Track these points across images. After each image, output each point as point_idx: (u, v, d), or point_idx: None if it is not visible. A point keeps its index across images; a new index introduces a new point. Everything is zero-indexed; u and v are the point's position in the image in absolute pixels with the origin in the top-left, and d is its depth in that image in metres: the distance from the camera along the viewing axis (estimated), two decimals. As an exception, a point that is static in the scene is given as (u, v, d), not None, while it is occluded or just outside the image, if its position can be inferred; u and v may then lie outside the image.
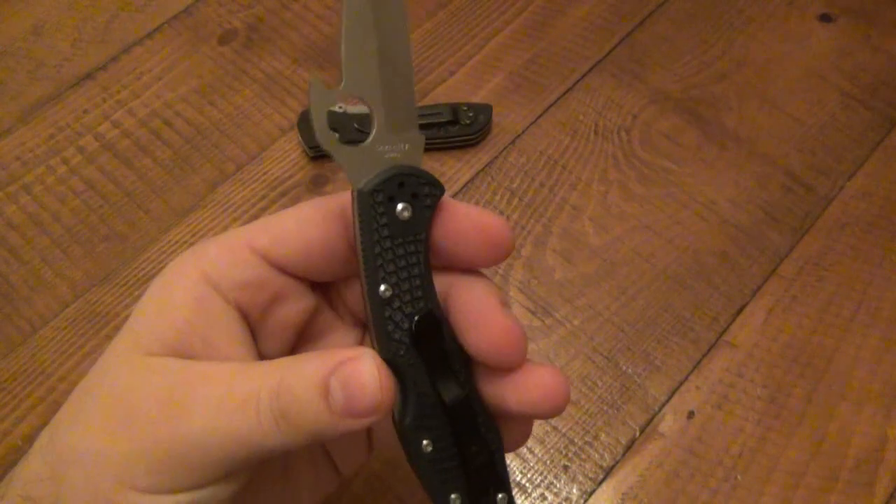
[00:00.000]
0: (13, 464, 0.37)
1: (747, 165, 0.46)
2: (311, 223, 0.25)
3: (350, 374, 0.22)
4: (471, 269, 0.25)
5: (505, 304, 0.25)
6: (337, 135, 0.23)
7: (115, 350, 0.25)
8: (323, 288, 0.27)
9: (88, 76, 0.50)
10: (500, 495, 0.26)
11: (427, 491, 0.25)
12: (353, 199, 0.23)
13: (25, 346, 0.41)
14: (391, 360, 0.23)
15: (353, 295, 0.27)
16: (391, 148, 0.24)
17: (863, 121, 0.47)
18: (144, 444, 0.23)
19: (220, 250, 0.25)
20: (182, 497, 0.23)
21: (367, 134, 0.24)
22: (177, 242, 0.44)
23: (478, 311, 0.24)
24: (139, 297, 0.42)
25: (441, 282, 0.25)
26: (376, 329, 0.23)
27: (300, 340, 0.27)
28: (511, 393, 0.25)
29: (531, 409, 0.25)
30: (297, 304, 0.26)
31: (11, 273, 0.43)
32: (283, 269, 0.25)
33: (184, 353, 0.24)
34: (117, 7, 0.53)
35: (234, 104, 0.49)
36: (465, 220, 0.24)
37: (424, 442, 0.24)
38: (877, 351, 0.40)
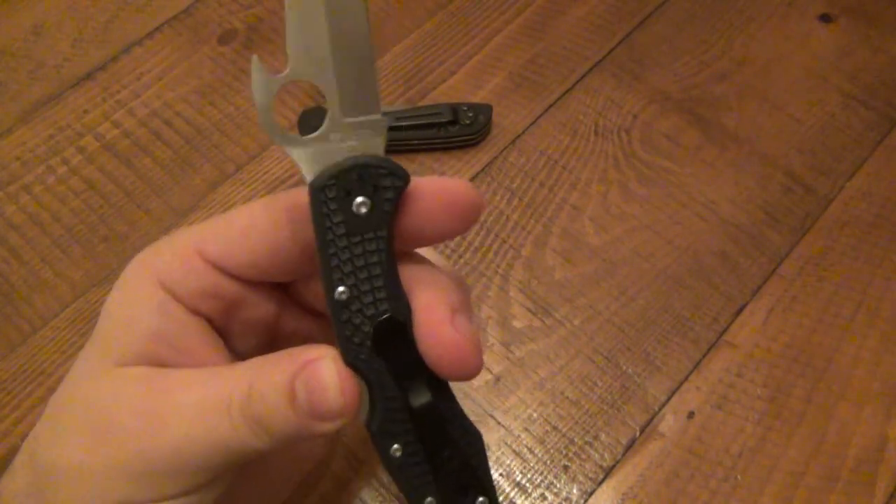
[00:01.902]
0: (13, 464, 0.37)
1: (747, 165, 0.46)
2: (258, 229, 0.24)
3: (311, 377, 0.22)
4: (430, 267, 0.24)
5: (459, 309, 0.23)
6: (284, 125, 0.21)
7: (87, 362, 0.24)
8: (286, 285, 0.27)
9: (88, 76, 0.50)
10: (480, 499, 0.25)
11: (402, 493, 0.24)
12: (307, 195, 0.21)
13: (25, 346, 0.41)
14: (354, 365, 0.22)
15: (313, 289, 0.26)
16: (349, 135, 0.22)
17: (863, 121, 0.47)
18: (124, 456, 0.23)
19: (172, 258, 0.24)
20: None
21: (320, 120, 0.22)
22: (177, 242, 0.44)
23: (427, 323, 0.22)
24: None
25: (404, 279, 0.23)
26: (337, 332, 0.22)
27: (274, 335, 0.27)
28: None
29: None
30: (259, 307, 0.26)
31: (11, 273, 0.43)
32: (235, 277, 0.25)
33: (154, 361, 0.24)
34: (117, 7, 0.53)
35: (234, 104, 0.49)
36: (429, 196, 0.23)
37: (394, 447, 0.23)
38: (877, 351, 0.40)
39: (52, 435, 0.24)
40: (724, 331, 0.40)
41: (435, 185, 0.23)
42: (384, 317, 0.22)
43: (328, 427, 0.22)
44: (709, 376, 0.39)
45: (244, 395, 0.22)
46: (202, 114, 0.48)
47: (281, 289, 0.26)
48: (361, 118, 0.22)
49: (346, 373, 0.22)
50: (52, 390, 0.39)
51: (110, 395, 0.23)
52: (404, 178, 0.22)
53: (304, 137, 0.21)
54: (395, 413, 0.23)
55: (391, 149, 0.46)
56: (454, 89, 0.49)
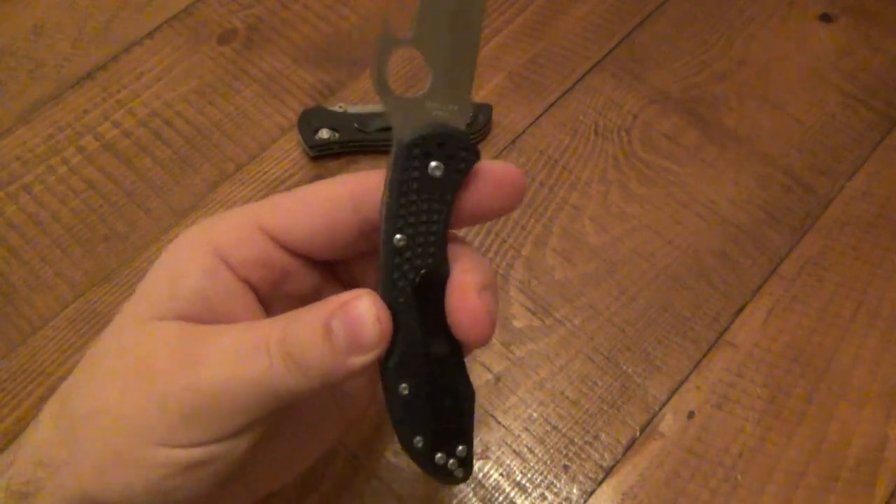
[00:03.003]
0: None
1: (747, 165, 0.46)
2: (319, 206, 0.25)
3: (349, 312, 0.23)
4: (471, 247, 0.26)
5: (488, 286, 0.25)
6: (383, 81, 0.23)
7: (125, 316, 0.25)
8: (330, 262, 0.28)
9: (88, 76, 0.50)
10: (460, 447, 0.27)
11: (395, 430, 0.26)
12: (392, 148, 0.24)
13: (25, 346, 0.41)
14: (390, 306, 0.24)
15: (358, 270, 0.28)
16: (440, 107, 0.24)
17: (863, 121, 0.47)
18: (161, 396, 0.23)
19: (230, 226, 0.26)
20: (198, 451, 0.23)
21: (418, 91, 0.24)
22: (177, 242, 0.44)
23: (460, 288, 0.25)
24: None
25: (450, 248, 0.26)
26: (384, 274, 0.24)
27: None
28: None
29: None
30: (304, 281, 0.27)
31: (11, 273, 0.43)
32: (291, 250, 0.26)
33: (194, 320, 0.25)
34: (117, 7, 0.53)
35: (234, 104, 0.49)
36: (487, 175, 0.25)
37: (402, 385, 0.25)
38: (877, 351, 0.40)
39: (86, 382, 0.25)
40: (724, 331, 0.40)
41: (493, 166, 0.25)
42: (429, 270, 0.25)
43: (362, 361, 0.23)
44: (709, 376, 0.39)
45: (280, 336, 0.23)
46: (202, 114, 0.48)
47: (324, 264, 0.28)
48: (454, 96, 0.24)
49: (382, 306, 0.24)
50: (52, 390, 0.39)
51: (147, 342, 0.24)
52: (475, 154, 0.24)
53: (405, 97, 0.23)
54: (412, 356, 0.25)
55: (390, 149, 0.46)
56: (454, 89, 0.49)
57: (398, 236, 0.24)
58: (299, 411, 0.28)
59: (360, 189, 0.25)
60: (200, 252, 0.25)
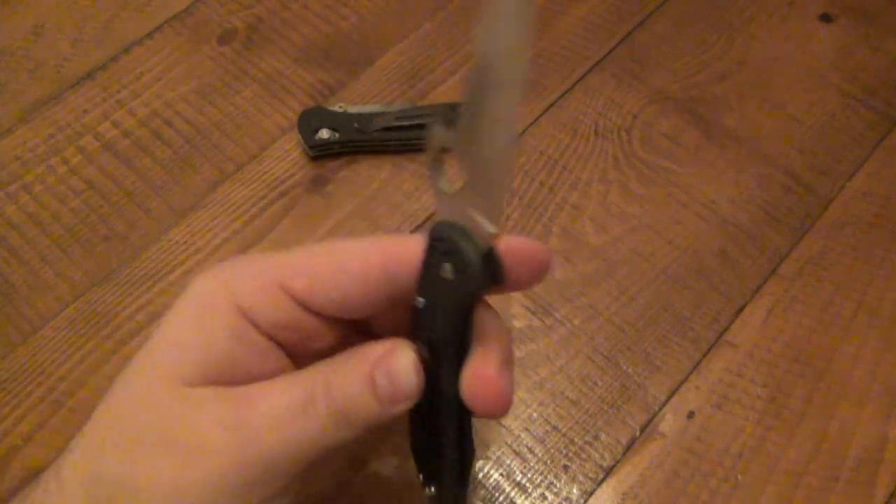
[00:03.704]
0: (13, 463, 0.37)
1: (747, 165, 0.46)
2: (349, 272, 0.25)
3: (391, 365, 0.24)
4: (495, 316, 0.26)
5: (508, 361, 0.25)
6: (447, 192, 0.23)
7: (150, 377, 0.25)
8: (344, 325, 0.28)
9: (88, 76, 0.50)
10: (432, 486, 0.30)
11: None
12: None
13: (25, 346, 0.41)
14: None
15: (381, 325, 0.28)
16: (473, 213, 0.23)
17: (863, 121, 0.47)
18: (220, 471, 0.23)
19: (254, 286, 0.25)
20: None
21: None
22: (177, 242, 0.44)
23: (481, 372, 0.25)
24: (139, 297, 0.42)
25: (475, 322, 0.26)
26: (410, 329, 0.25)
27: None
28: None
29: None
30: (328, 339, 0.27)
31: (11, 273, 0.43)
32: (318, 313, 0.26)
33: (224, 383, 0.24)
34: (117, 7, 0.53)
35: (234, 104, 0.49)
36: (513, 253, 0.24)
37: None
38: (877, 351, 0.40)
39: (121, 453, 0.24)
40: (724, 331, 0.40)
41: (520, 244, 0.25)
42: (440, 340, 0.25)
43: (401, 408, 0.24)
44: (709, 376, 0.39)
45: (325, 392, 0.24)
46: (202, 114, 0.48)
47: (342, 327, 0.27)
48: (482, 216, 0.22)
49: (417, 358, 0.25)
50: (52, 390, 0.39)
51: (191, 414, 0.24)
52: (479, 280, 0.23)
53: (448, 190, 0.23)
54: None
55: (391, 149, 0.46)
56: (454, 89, 0.49)
57: (419, 299, 0.25)
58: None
59: (392, 258, 0.25)
60: (226, 312, 0.25)
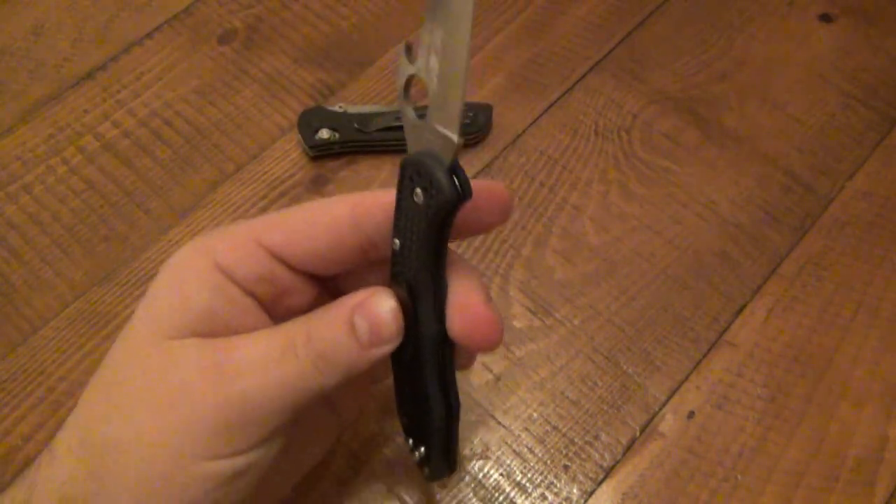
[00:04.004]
0: (13, 463, 0.37)
1: (747, 165, 0.46)
2: (321, 226, 0.26)
3: (370, 308, 0.25)
4: (465, 260, 0.27)
5: (489, 299, 0.26)
6: (410, 104, 0.24)
7: (134, 339, 0.25)
8: (325, 277, 0.29)
9: (88, 76, 0.50)
10: (422, 447, 0.30)
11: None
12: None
13: (25, 346, 0.41)
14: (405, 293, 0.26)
15: (349, 286, 0.29)
16: (437, 133, 0.24)
17: (863, 121, 0.47)
18: (199, 414, 0.23)
19: (230, 245, 0.26)
20: (239, 460, 0.24)
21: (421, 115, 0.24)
22: (177, 242, 0.44)
23: (467, 301, 0.26)
24: (140, 296, 0.42)
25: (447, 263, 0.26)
26: (390, 273, 0.26)
27: None
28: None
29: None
30: (303, 295, 0.28)
31: (11, 273, 0.43)
32: (292, 267, 0.27)
33: (206, 337, 0.25)
34: (117, 7, 0.53)
35: (234, 104, 0.49)
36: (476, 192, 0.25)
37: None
38: (877, 351, 0.40)
39: (107, 414, 0.25)
40: (724, 331, 0.40)
41: (480, 184, 0.25)
42: (416, 279, 0.26)
43: (382, 352, 0.25)
44: (709, 376, 0.39)
45: (305, 336, 0.24)
46: (202, 114, 0.48)
47: (320, 280, 0.28)
48: (446, 127, 0.23)
49: (396, 301, 0.25)
50: (52, 390, 0.39)
51: (171, 363, 0.24)
52: (447, 194, 0.24)
53: (416, 119, 0.24)
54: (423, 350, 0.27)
55: (391, 149, 0.46)
56: (454, 89, 0.49)
57: (395, 240, 0.25)
58: (305, 421, 0.29)
59: (360, 208, 0.26)
60: (205, 269, 0.25)
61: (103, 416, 0.25)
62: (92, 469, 0.24)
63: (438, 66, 0.23)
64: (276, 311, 0.27)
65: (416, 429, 0.30)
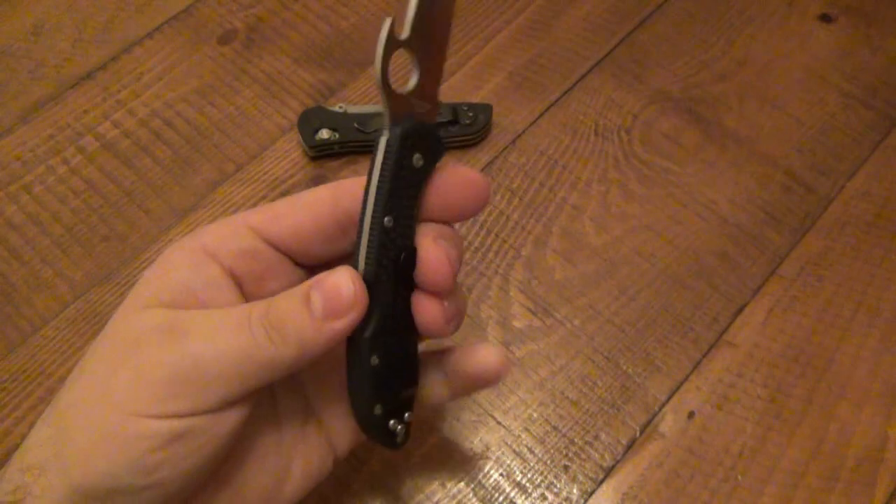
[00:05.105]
0: (13, 464, 0.37)
1: (747, 165, 0.46)
2: (304, 206, 0.28)
3: (327, 283, 0.25)
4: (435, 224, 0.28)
5: (441, 237, 0.27)
6: (385, 77, 0.25)
7: (116, 314, 0.26)
8: (309, 272, 0.30)
9: (88, 76, 0.50)
10: (406, 413, 0.30)
11: (354, 398, 0.29)
12: (380, 140, 0.26)
13: (25, 346, 0.41)
14: (372, 282, 0.26)
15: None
16: (420, 104, 0.26)
17: (863, 121, 0.47)
18: (147, 369, 0.24)
19: (219, 226, 0.27)
20: (179, 423, 0.24)
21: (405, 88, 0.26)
22: (177, 242, 0.44)
23: (425, 246, 0.27)
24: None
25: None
26: (369, 253, 0.26)
27: None
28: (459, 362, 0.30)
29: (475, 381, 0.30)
30: (285, 280, 0.28)
31: (11, 273, 0.43)
32: (275, 246, 0.28)
33: (179, 308, 0.26)
34: (117, 7, 0.53)
35: (234, 104, 0.49)
36: (453, 174, 0.27)
37: (373, 357, 0.27)
38: (877, 351, 0.40)
39: (75, 377, 0.25)
40: (724, 331, 0.40)
41: (456, 167, 0.28)
42: (409, 250, 0.27)
43: (339, 326, 0.25)
44: (709, 376, 0.39)
45: (262, 310, 0.25)
46: (202, 114, 0.48)
47: (302, 272, 0.29)
48: (429, 98, 0.26)
49: (357, 276, 0.25)
50: (52, 390, 0.39)
51: (134, 326, 0.25)
52: (444, 148, 0.27)
53: (398, 93, 0.26)
54: (385, 331, 0.27)
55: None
56: (454, 89, 0.49)
57: (387, 218, 0.26)
58: (277, 434, 0.29)
59: (339, 189, 0.28)
60: (189, 250, 0.27)
61: (74, 379, 0.26)
62: (52, 432, 0.24)
63: (431, 39, 0.26)
64: (258, 296, 0.28)
65: (397, 405, 0.30)
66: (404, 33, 0.25)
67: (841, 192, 0.45)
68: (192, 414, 0.24)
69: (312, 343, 0.25)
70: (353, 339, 0.27)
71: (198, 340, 0.24)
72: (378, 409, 0.29)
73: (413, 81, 0.26)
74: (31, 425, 0.38)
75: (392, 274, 0.27)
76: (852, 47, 0.50)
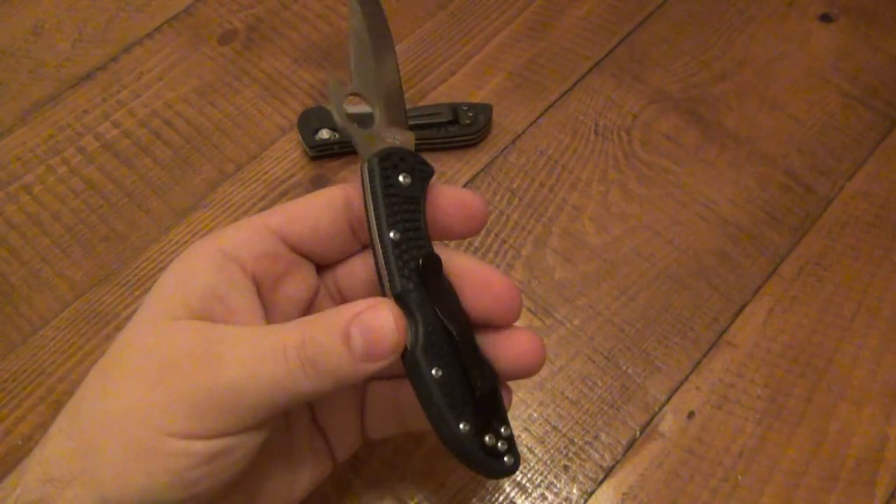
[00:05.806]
0: (13, 463, 0.37)
1: (747, 165, 0.46)
2: (320, 207, 0.28)
3: (369, 322, 0.25)
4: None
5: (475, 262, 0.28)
6: (353, 119, 0.28)
7: (140, 321, 0.26)
8: (321, 274, 0.30)
9: (88, 76, 0.50)
10: (502, 427, 0.27)
11: (435, 420, 0.26)
12: (362, 168, 0.27)
13: (25, 346, 0.41)
14: (402, 296, 0.26)
15: (348, 279, 0.30)
16: (390, 136, 0.29)
17: (863, 121, 0.47)
18: (182, 391, 0.24)
19: (237, 229, 0.27)
20: (216, 443, 0.24)
21: (371, 125, 0.29)
22: (177, 242, 0.44)
23: (479, 273, 0.28)
24: (140, 296, 0.42)
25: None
26: (388, 268, 0.26)
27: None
28: (494, 350, 0.28)
29: (512, 369, 0.28)
30: (305, 282, 0.29)
31: (11, 273, 0.43)
32: (293, 247, 0.28)
33: (206, 317, 0.26)
34: (117, 7, 0.53)
35: (234, 104, 0.49)
36: (448, 196, 0.28)
37: (434, 369, 0.26)
38: (877, 351, 0.40)
39: (100, 389, 0.25)
40: (724, 331, 0.40)
41: (452, 189, 0.29)
42: (427, 252, 0.27)
43: (377, 366, 0.25)
44: (709, 376, 0.39)
45: (299, 341, 0.25)
46: (202, 114, 0.48)
47: (319, 275, 0.30)
48: (396, 128, 0.29)
49: (399, 313, 0.25)
50: (52, 390, 0.39)
51: (166, 342, 0.25)
52: (431, 168, 0.28)
53: (364, 130, 0.28)
54: (434, 339, 0.26)
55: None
56: (454, 89, 0.49)
57: (391, 233, 0.26)
58: (289, 446, 0.29)
59: (349, 191, 0.28)
60: (209, 253, 0.27)
61: (98, 391, 0.25)
62: (78, 446, 0.24)
63: (376, 82, 0.29)
64: (276, 297, 0.28)
65: (483, 419, 0.27)
66: (353, 86, 0.29)
67: (841, 193, 0.45)
68: (227, 435, 0.24)
69: (349, 379, 0.25)
70: (406, 356, 0.26)
71: (233, 367, 0.24)
72: (465, 426, 0.26)
73: (376, 119, 0.29)
74: (31, 425, 0.38)
75: (417, 282, 0.26)
76: (852, 47, 0.50)
